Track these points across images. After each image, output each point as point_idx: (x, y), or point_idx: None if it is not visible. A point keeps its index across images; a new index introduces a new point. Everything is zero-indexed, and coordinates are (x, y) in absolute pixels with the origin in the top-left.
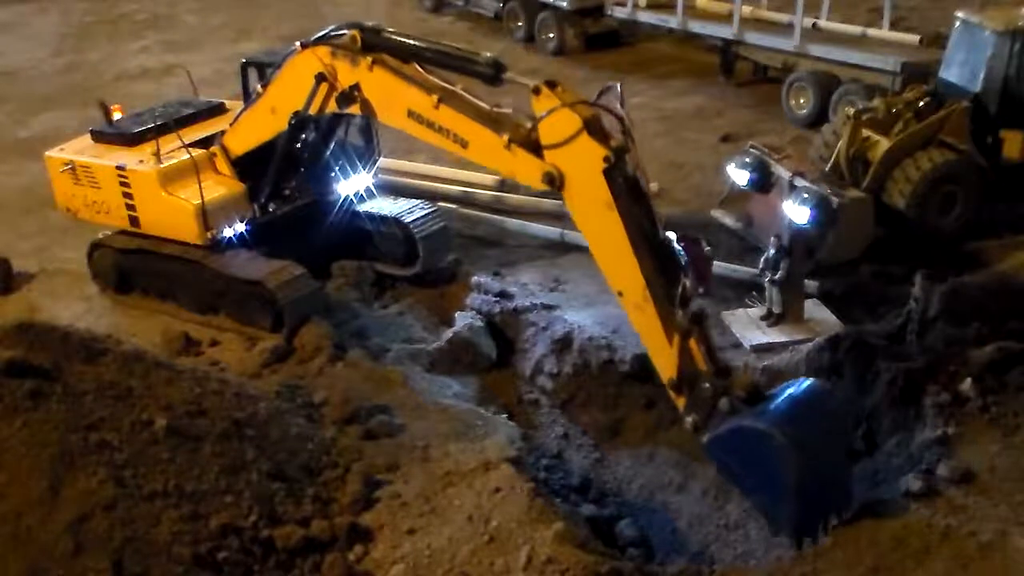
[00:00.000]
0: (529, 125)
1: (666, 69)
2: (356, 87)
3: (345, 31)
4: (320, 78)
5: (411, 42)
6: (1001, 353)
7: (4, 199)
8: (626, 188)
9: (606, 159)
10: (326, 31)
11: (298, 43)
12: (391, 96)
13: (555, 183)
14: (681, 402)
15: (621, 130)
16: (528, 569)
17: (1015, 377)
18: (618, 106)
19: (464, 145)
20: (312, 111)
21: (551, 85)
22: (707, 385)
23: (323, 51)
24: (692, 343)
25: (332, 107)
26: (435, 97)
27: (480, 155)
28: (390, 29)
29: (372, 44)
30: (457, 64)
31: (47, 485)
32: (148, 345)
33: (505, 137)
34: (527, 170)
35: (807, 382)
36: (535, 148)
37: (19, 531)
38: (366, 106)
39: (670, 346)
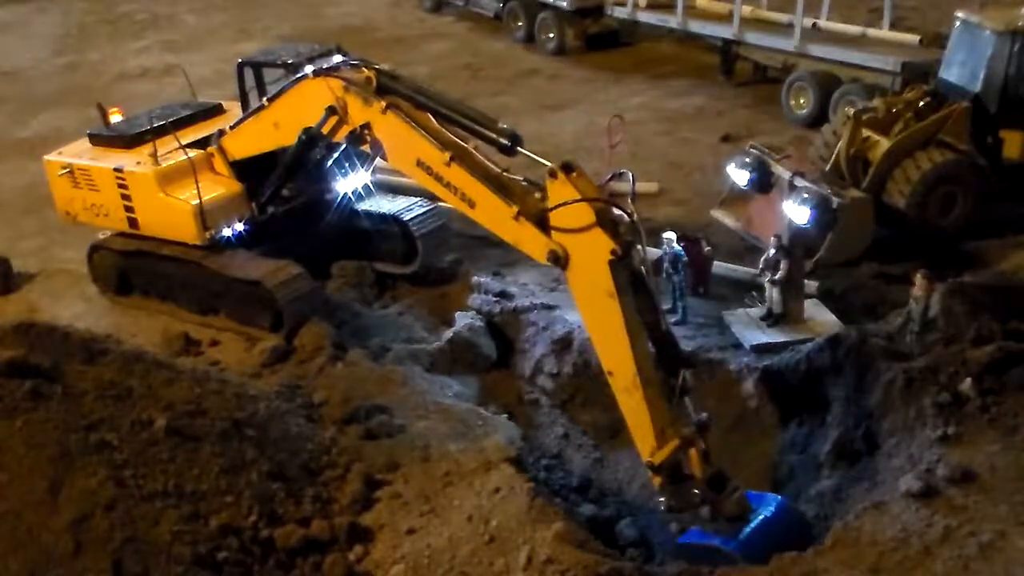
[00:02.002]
0: (538, 195)
1: (666, 69)
2: (366, 126)
3: (357, 62)
4: (331, 111)
5: (427, 95)
6: (1001, 353)
7: (4, 199)
8: (630, 280)
9: (613, 252)
10: (336, 60)
11: (311, 70)
12: (402, 143)
13: (560, 262)
14: (656, 480)
15: (630, 225)
16: (528, 569)
17: (1015, 377)
18: (629, 202)
19: (471, 206)
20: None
21: (567, 170)
22: (696, 492)
23: (336, 84)
24: (693, 451)
25: (340, 138)
26: (447, 155)
27: (486, 219)
28: (405, 77)
29: (387, 88)
30: (473, 129)
31: (47, 485)
32: (148, 345)
33: (515, 208)
34: (532, 244)
35: (775, 503)
36: (542, 222)
37: (19, 531)
38: (376, 146)
39: (653, 431)
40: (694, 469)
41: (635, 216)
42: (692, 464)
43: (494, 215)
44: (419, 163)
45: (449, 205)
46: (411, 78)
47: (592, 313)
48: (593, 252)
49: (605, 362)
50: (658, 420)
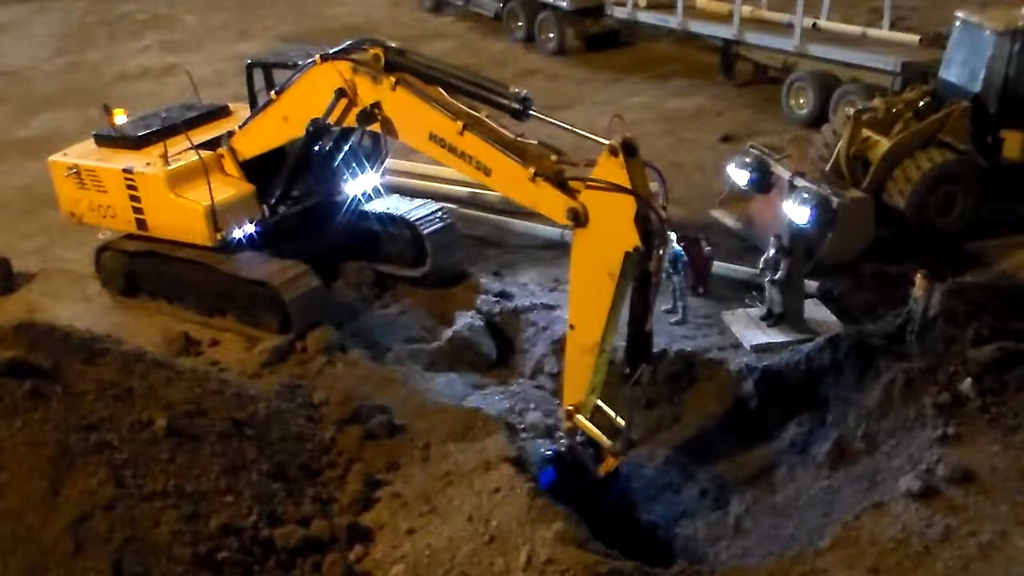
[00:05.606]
0: (554, 157)
1: (666, 69)
2: (377, 105)
3: (367, 46)
4: (340, 93)
5: (436, 67)
6: (1001, 353)
7: (4, 199)
8: (637, 276)
9: (635, 248)
10: (346, 44)
11: (318, 55)
12: (413, 118)
13: (579, 219)
14: (567, 425)
15: (660, 229)
16: (528, 569)
17: (1015, 377)
18: (660, 202)
19: (487, 173)
20: (331, 121)
21: (630, 152)
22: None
23: (344, 66)
24: (612, 459)
25: (350, 122)
26: (460, 123)
27: (503, 185)
28: (414, 52)
29: (396, 64)
30: (483, 95)
31: (47, 485)
32: (148, 345)
33: (531, 170)
34: (551, 204)
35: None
36: (560, 182)
37: (19, 531)
38: (387, 125)
39: (586, 389)
40: (603, 467)
41: (665, 223)
42: (604, 464)
43: (511, 179)
44: (432, 136)
45: (451, 206)
46: (419, 52)
47: (584, 278)
48: (616, 242)
49: (572, 316)
50: (594, 381)
